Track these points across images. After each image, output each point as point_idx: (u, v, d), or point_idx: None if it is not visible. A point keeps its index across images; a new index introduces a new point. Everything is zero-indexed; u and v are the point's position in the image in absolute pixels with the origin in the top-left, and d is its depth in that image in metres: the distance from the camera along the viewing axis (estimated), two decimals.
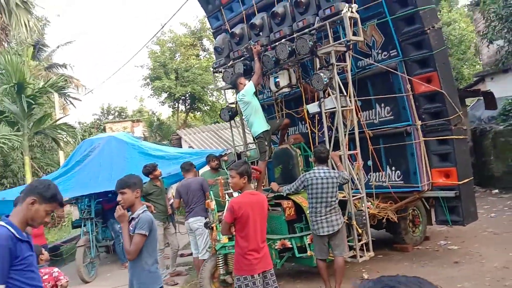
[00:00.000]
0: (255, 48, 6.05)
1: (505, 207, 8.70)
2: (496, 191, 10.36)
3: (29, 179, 10.44)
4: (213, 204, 5.49)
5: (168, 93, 21.49)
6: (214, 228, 5.29)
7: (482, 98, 11.42)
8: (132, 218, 3.41)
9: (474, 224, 6.30)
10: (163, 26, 19.76)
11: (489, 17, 8.02)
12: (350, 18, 5.20)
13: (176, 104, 23.25)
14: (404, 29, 5.53)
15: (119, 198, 3.41)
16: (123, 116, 30.95)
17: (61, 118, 13.66)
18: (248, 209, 3.73)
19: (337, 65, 5.44)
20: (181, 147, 15.33)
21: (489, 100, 10.79)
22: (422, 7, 5.33)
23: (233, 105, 7.33)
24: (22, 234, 2.41)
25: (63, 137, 12.52)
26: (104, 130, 26.71)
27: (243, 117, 6.30)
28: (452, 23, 19.02)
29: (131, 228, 3.36)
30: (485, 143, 11.05)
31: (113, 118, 30.78)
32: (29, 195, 2.47)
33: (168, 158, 8.27)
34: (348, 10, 5.15)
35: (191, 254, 6.74)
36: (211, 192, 5.82)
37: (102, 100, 54.92)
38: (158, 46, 21.98)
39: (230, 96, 13.40)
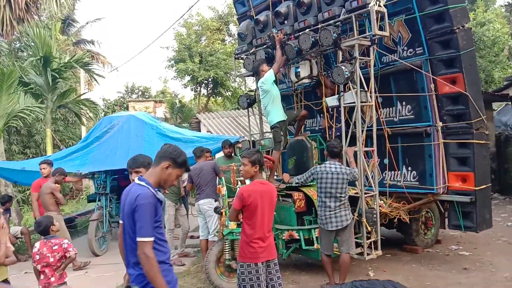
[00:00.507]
0: (277, 36, 5.98)
1: None
2: None
3: (49, 151, 10.72)
4: (224, 190, 5.52)
5: (191, 76, 21.57)
6: (223, 213, 5.33)
7: (510, 103, 11.09)
8: None
9: (488, 231, 6.16)
10: (190, 8, 19.85)
11: None
12: (377, 12, 5.09)
13: (199, 87, 23.35)
14: (432, 27, 5.37)
15: (133, 176, 3.44)
16: (146, 96, 31.26)
17: (85, 93, 13.89)
18: (257, 198, 3.74)
19: (360, 59, 5.35)
20: (199, 130, 15.44)
21: None
22: (453, 5, 5.17)
23: (252, 93, 7.31)
24: (159, 194, 2.72)
25: (86, 112, 12.75)
26: (127, 108, 27.09)
27: (261, 105, 6.27)
28: (486, 23, 18.39)
29: None
30: (509, 150, 10.75)
31: (137, 97, 31.12)
32: (164, 160, 2.74)
33: (184, 141, 8.33)
34: (376, 3, 5.03)
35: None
36: (222, 178, 5.85)
37: (127, 78, 55.46)
38: (184, 28, 22.02)
39: (251, 83, 13.38)
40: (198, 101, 24.63)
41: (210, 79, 22.34)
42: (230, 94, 24.48)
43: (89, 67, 12.47)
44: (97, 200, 7.97)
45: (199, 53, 21.33)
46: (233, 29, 23.07)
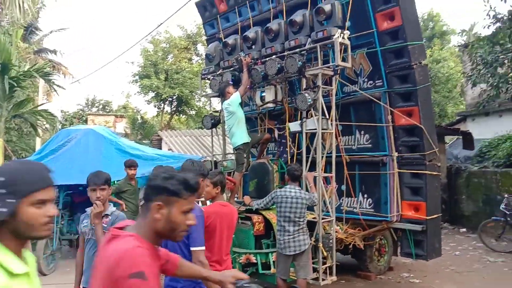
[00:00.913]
0: (245, 60, 6.09)
1: (470, 246, 8.87)
2: (464, 230, 10.57)
3: (0, 161, 10.17)
4: None
5: (155, 92, 21.38)
6: None
7: (461, 137, 11.72)
8: (106, 215, 3.35)
9: (438, 260, 6.38)
10: (158, 26, 19.82)
11: (475, 61, 8.26)
12: (341, 44, 5.30)
13: (162, 104, 23.14)
14: (391, 62, 5.65)
15: (98, 194, 3.30)
16: (107, 110, 30.58)
17: (43, 104, 13.42)
18: (217, 220, 3.70)
19: (323, 88, 5.52)
20: (161, 148, 15.22)
21: (468, 140, 11.09)
22: (411, 43, 5.47)
23: (217, 113, 7.33)
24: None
25: (42, 123, 12.28)
26: (86, 121, 26.32)
27: (226, 127, 6.30)
28: (442, 61, 19.58)
29: (105, 225, 3.29)
30: (459, 182, 11.29)
31: (97, 110, 30.36)
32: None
33: (144, 158, 8.17)
34: (340, 36, 5.24)
35: None
36: None
37: (88, 91, 54.16)
38: (151, 44, 21.91)
39: (216, 104, 13.43)
40: (161, 118, 24.37)
41: (174, 97, 22.23)
42: (194, 113, 24.40)
43: (50, 78, 12.08)
44: None
45: (165, 70, 21.25)
46: (201, 49, 23.21)
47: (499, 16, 7.72)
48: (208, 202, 4.93)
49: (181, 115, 25.78)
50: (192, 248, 2.81)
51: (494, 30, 8.04)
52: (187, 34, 22.51)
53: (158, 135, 16.33)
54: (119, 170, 7.09)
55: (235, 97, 5.88)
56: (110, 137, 8.50)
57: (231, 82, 6.31)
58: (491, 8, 7.78)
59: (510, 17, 7.49)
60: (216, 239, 3.70)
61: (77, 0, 64.85)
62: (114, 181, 7.13)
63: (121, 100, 40.94)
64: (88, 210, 3.44)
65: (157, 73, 21.11)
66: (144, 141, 18.73)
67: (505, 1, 7.61)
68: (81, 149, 7.93)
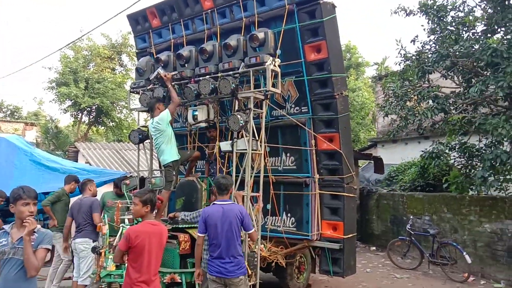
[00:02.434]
0: (166, 76, 6.05)
1: (380, 264, 9.60)
2: (374, 248, 11.41)
3: None
4: (105, 228, 5.24)
5: (73, 101, 20.24)
6: (103, 253, 5.03)
7: (372, 162, 12.73)
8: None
9: (352, 277, 6.83)
10: (83, 35, 18.85)
11: (387, 93, 9.10)
12: (272, 70, 5.58)
13: (80, 114, 21.93)
14: (317, 90, 6.06)
15: (32, 209, 3.12)
16: (16, 117, 28.18)
17: None
18: (145, 239, 3.65)
19: (253, 110, 5.73)
20: (77, 161, 14.34)
21: (378, 165, 12.09)
22: (335, 74, 5.93)
23: (145, 128, 7.19)
24: None
25: None
26: None
27: (154, 144, 6.21)
28: (356, 90, 21.17)
29: (32, 243, 3.08)
30: (370, 203, 12.20)
31: (4, 116, 27.86)
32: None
33: (62, 172, 7.69)
34: (271, 63, 5.53)
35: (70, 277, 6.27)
36: (105, 215, 5.56)
37: None
38: (72, 51, 20.80)
39: (143, 119, 13.08)
40: (78, 129, 23.03)
41: (94, 107, 21.22)
42: (114, 124, 23.44)
43: None
44: None
45: (85, 78, 20.26)
46: (125, 59, 22.58)
47: (409, 55, 8.65)
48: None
49: (99, 126, 24.61)
50: (250, 232, 4.48)
51: (404, 67, 8.97)
52: (111, 43, 21.77)
53: (75, 147, 15.35)
54: (32, 183, 6.49)
55: (165, 114, 5.84)
56: (25, 147, 7.89)
57: (161, 98, 6.27)
58: (402, 47, 8.69)
59: (417, 57, 8.44)
60: (144, 259, 3.65)
61: None
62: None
63: (32, 107, 37.90)
64: (6, 227, 3.21)
65: (76, 81, 20.04)
66: (57, 152, 17.53)
67: (414, 43, 8.60)
68: None
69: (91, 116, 22.43)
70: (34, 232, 3.06)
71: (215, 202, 4.53)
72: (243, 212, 4.42)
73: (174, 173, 5.92)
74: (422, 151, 8.55)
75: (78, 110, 21.16)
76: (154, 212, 5.48)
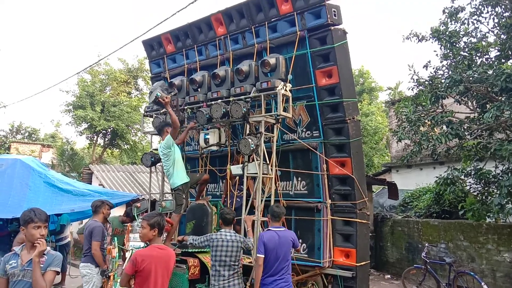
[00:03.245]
0: (164, 99, 5.91)
1: None
2: (389, 276, 11.10)
3: None
4: (115, 252, 5.22)
5: (89, 124, 20.61)
6: (112, 277, 5.00)
7: (386, 187, 12.55)
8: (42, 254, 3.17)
9: None
10: (100, 60, 19.32)
11: (401, 118, 9.04)
12: (283, 95, 5.62)
13: (95, 137, 22.28)
14: (328, 115, 6.06)
15: (43, 231, 3.15)
16: (34, 139, 28.75)
17: None
18: (152, 264, 3.63)
19: (264, 134, 5.75)
20: (90, 183, 14.50)
21: (393, 190, 11.91)
22: (346, 99, 5.93)
23: (157, 151, 7.25)
24: None
25: None
26: (8, 149, 24.50)
27: (163, 167, 6.24)
28: (370, 114, 21.11)
29: (41, 265, 3.09)
30: (384, 229, 11.95)
31: (22, 138, 28.44)
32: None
33: (75, 194, 7.78)
34: (283, 87, 5.58)
35: None
36: (115, 238, 5.55)
37: (14, 117, 50.64)
38: (89, 75, 21.32)
39: (156, 142, 13.24)
40: (93, 151, 23.35)
41: (109, 130, 21.56)
42: (128, 147, 23.72)
43: None
44: None
45: (101, 102, 20.67)
46: (141, 83, 23.03)
47: (422, 80, 8.62)
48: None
49: (114, 148, 24.92)
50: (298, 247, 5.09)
51: (417, 92, 8.92)
52: (127, 68, 22.27)
53: (89, 169, 15.55)
54: (45, 204, 6.69)
55: (166, 139, 5.82)
56: (39, 169, 8.00)
57: (169, 122, 6.27)
58: (414, 72, 8.67)
59: (430, 82, 8.40)
60: (151, 284, 3.63)
61: (10, 22, 61.84)
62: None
63: (49, 129, 38.71)
64: (17, 249, 3.23)
65: (93, 104, 20.46)
66: (72, 174, 17.75)
67: (426, 68, 8.57)
68: (6, 181, 7.37)
69: (106, 139, 22.75)
70: (44, 254, 3.08)
71: (270, 228, 5.04)
72: (293, 237, 5.10)
73: (184, 196, 5.91)
74: (437, 177, 8.39)
75: (94, 133, 21.50)
76: (164, 236, 5.48)
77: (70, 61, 58.61)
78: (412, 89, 8.91)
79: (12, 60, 57.79)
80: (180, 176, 5.93)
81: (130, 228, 5.74)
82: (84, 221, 7.65)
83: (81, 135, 21.95)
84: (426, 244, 9.43)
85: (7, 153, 22.41)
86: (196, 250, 5.58)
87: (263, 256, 4.81)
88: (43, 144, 26.87)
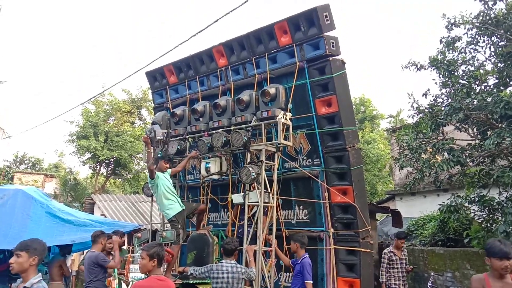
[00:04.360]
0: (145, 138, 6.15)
1: None
2: None
3: None
4: (115, 283, 5.16)
5: (92, 154, 20.74)
6: None
7: (390, 215, 12.40)
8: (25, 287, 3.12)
9: None
10: (104, 91, 19.71)
11: (402, 146, 9.05)
12: (283, 124, 5.69)
13: (98, 166, 22.36)
14: (328, 143, 6.09)
15: (12, 260, 3.14)
16: (37, 168, 28.89)
17: None
18: None
19: (265, 163, 5.77)
20: (92, 212, 14.45)
21: (397, 218, 11.74)
22: (346, 128, 5.97)
23: None
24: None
25: None
26: (12, 179, 24.57)
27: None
28: (372, 142, 21.15)
29: None
30: None
31: (26, 168, 28.60)
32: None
33: (76, 224, 7.71)
34: (283, 116, 5.65)
35: None
36: (115, 270, 5.49)
37: (18, 147, 51.02)
38: (93, 106, 21.62)
39: None
40: (95, 180, 23.37)
41: (112, 159, 21.66)
42: (131, 177, 23.76)
43: None
44: None
45: (105, 132, 20.87)
46: (145, 114, 23.29)
47: (422, 108, 8.69)
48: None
49: (117, 178, 24.96)
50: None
51: (417, 120, 8.98)
52: (131, 98, 22.59)
53: (91, 199, 15.54)
54: (46, 235, 6.61)
55: (148, 174, 5.92)
56: (41, 199, 7.98)
57: (159, 157, 6.26)
58: (414, 100, 8.76)
59: (430, 110, 8.47)
60: None
61: (17, 55, 63.26)
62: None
63: (53, 159, 38.88)
64: (14, 285, 3.22)
65: (96, 134, 20.65)
66: (74, 204, 17.71)
67: (426, 97, 8.67)
68: (7, 211, 7.33)
69: (109, 168, 22.83)
70: (26, 287, 3.06)
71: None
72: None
73: (180, 226, 5.85)
74: (440, 204, 8.32)
75: (97, 162, 21.62)
76: (164, 267, 5.43)
77: (74, 92, 59.57)
78: (412, 117, 8.97)
79: (16, 91, 58.77)
80: (172, 206, 5.89)
81: (130, 259, 5.69)
82: (86, 251, 7.56)
83: (84, 165, 22.07)
84: (432, 273, 9.23)
85: (10, 183, 22.47)
86: (197, 281, 5.49)
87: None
88: (46, 174, 26.98)
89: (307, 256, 5.27)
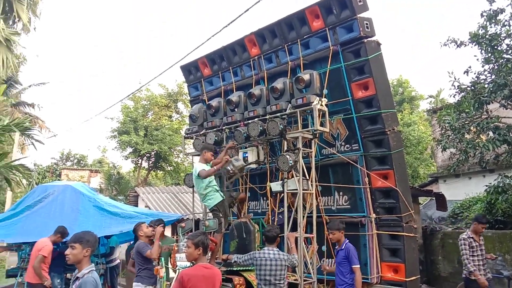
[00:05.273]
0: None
1: None
2: None
3: None
4: (162, 271, 5.35)
5: (133, 148, 21.37)
6: None
7: (434, 198, 12.07)
8: (77, 278, 3.30)
9: None
10: (141, 87, 20.18)
11: (444, 127, 8.75)
12: (319, 110, 5.64)
13: (140, 160, 23.03)
14: (366, 127, 5.99)
15: (67, 251, 3.33)
16: (82, 165, 30.17)
17: (20, 159, 13.20)
18: (198, 283, 3.67)
19: (302, 150, 5.76)
20: (137, 205, 14.96)
21: (441, 201, 11.41)
22: (385, 110, 5.85)
23: None
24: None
25: (18, 178, 12.00)
26: (59, 175, 25.81)
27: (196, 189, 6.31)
28: (412, 124, 20.51)
29: None
30: (434, 242, 11.43)
31: (72, 165, 29.93)
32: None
33: (123, 216, 8.06)
34: (318, 102, 5.59)
35: None
36: (162, 258, 5.69)
37: (63, 145, 53.49)
38: (132, 102, 22.21)
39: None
40: (138, 174, 24.12)
41: (153, 153, 22.24)
42: (172, 169, 24.32)
43: (29, 132, 12.02)
44: (18, 275, 7.26)
45: (144, 127, 21.41)
46: (181, 107, 23.67)
47: (463, 87, 8.33)
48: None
49: (158, 170, 25.64)
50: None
51: (459, 99, 8.62)
52: (168, 92, 23.00)
53: (135, 191, 16.07)
54: (95, 227, 6.96)
55: (198, 167, 5.88)
56: (89, 193, 8.39)
57: (210, 147, 6.28)
58: (455, 79, 8.40)
59: (473, 88, 8.11)
60: None
61: (57, 55, 65.85)
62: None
63: (96, 155, 40.47)
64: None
65: (136, 129, 21.23)
66: (119, 197, 18.39)
67: (467, 74, 8.29)
68: (58, 206, 7.78)
69: (150, 162, 23.46)
70: (79, 277, 3.23)
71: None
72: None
73: (222, 215, 5.94)
74: (487, 185, 8.00)
75: (138, 156, 22.24)
76: (208, 255, 5.56)
77: (113, 89, 61.48)
78: (454, 96, 8.61)
79: (59, 91, 61.31)
80: (213, 196, 5.95)
81: (176, 248, 5.87)
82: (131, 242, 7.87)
83: (126, 159, 22.78)
84: None
85: (58, 179, 23.61)
86: (241, 268, 5.60)
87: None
88: (91, 169, 28.14)
89: (348, 241, 5.21)
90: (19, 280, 7.18)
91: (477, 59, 8.24)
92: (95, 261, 7.51)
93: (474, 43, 8.08)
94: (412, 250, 5.97)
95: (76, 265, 3.34)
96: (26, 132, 11.85)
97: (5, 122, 11.15)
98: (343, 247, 5.18)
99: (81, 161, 31.43)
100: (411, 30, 67.28)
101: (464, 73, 8.33)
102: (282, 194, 5.91)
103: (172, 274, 5.38)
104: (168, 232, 7.42)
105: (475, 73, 8.27)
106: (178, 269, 5.35)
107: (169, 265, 5.54)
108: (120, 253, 9.16)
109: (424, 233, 11.69)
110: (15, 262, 8.72)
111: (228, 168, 6.21)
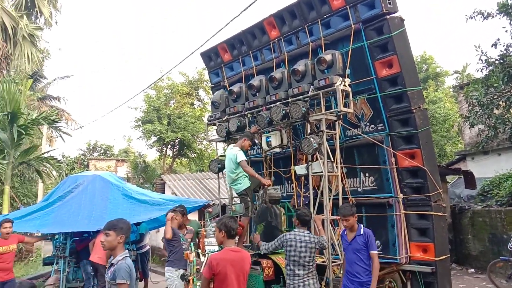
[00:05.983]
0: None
1: (480, 287, 8.74)
2: (472, 270, 10.44)
3: (6, 209, 10.20)
4: (192, 256, 5.45)
5: (158, 137, 21.67)
6: (191, 280, 5.23)
7: (462, 176, 11.81)
8: (112, 264, 3.40)
9: None
10: (163, 76, 20.35)
11: (471, 102, 8.51)
12: (342, 90, 5.55)
13: (165, 148, 23.37)
14: (392, 106, 5.87)
15: (102, 238, 3.43)
16: (109, 155, 30.86)
17: (49, 151, 13.61)
18: (227, 266, 3.72)
19: (326, 132, 5.70)
20: (164, 192, 15.24)
21: (469, 179, 11.16)
22: (410, 88, 5.71)
23: (223, 158, 7.47)
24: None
25: (49, 170, 12.40)
26: (87, 166, 26.50)
27: (227, 172, 6.39)
28: (437, 101, 20.00)
29: (110, 274, 3.35)
30: (463, 221, 11.26)
31: (98, 155, 30.65)
32: None
33: (151, 204, 8.21)
34: (341, 83, 5.50)
35: None
36: (191, 244, 5.80)
37: (89, 136, 54.82)
38: (154, 91, 22.44)
39: (221, 148, 13.63)
40: (163, 162, 24.51)
41: (177, 141, 22.51)
42: (196, 156, 24.58)
43: (57, 125, 12.34)
44: (54, 263, 7.56)
45: (167, 115, 21.64)
46: (202, 94, 23.77)
47: (491, 60, 8.04)
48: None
49: (182, 158, 25.97)
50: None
51: (487, 73, 8.34)
52: (188, 80, 23.11)
53: (161, 179, 16.37)
54: (125, 215, 7.08)
55: (241, 155, 5.99)
56: (117, 183, 8.56)
57: (252, 136, 6.40)
58: (482, 52, 8.12)
59: (501, 61, 7.82)
60: (228, 286, 3.72)
61: (80, 48, 66.86)
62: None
63: (122, 145, 41.27)
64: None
65: (160, 118, 21.49)
66: (146, 185, 18.76)
67: (495, 47, 7.99)
68: (88, 196, 7.98)
69: (174, 149, 23.77)
70: (113, 264, 3.33)
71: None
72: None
73: (249, 199, 6.02)
74: None
75: (163, 145, 22.57)
76: (235, 239, 5.63)
77: (136, 79, 62.22)
78: (481, 71, 8.35)
79: (83, 83, 62.49)
80: (243, 181, 6.06)
81: (204, 233, 5.98)
82: (161, 229, 8.05)
83: (151, 148, 23.15)
84: None
85: (86, 170, 24.23)
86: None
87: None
88: (118, 159, 28.75)
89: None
90: (55, 268, 7.46)
91: (506, 31, 7.94)
92: (126, 248, 7.72)
93: (502, 14, 7.76)
94: (441, 229, 5.88)
95: (111, 251, 3.44)
96: (54, 125, 12.19)
97: (33, 116, 11.50)
98: (361, 232, 4.87)
99: (108, 151, 32.13)
100: (435, 3, 65.02)
101: (492, 46, 8.05)
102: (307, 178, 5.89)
103: (202, 258, 5.48)
104: (195, 217, 7.54)
105: (503, 46, 7.98)
106: (207, 253, 5.45)
107: (199, 250, 5.66)
108: (149, 239, 9.39)
109: (453, 212, 11.52)
110: (50, 250, 9.05)
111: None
